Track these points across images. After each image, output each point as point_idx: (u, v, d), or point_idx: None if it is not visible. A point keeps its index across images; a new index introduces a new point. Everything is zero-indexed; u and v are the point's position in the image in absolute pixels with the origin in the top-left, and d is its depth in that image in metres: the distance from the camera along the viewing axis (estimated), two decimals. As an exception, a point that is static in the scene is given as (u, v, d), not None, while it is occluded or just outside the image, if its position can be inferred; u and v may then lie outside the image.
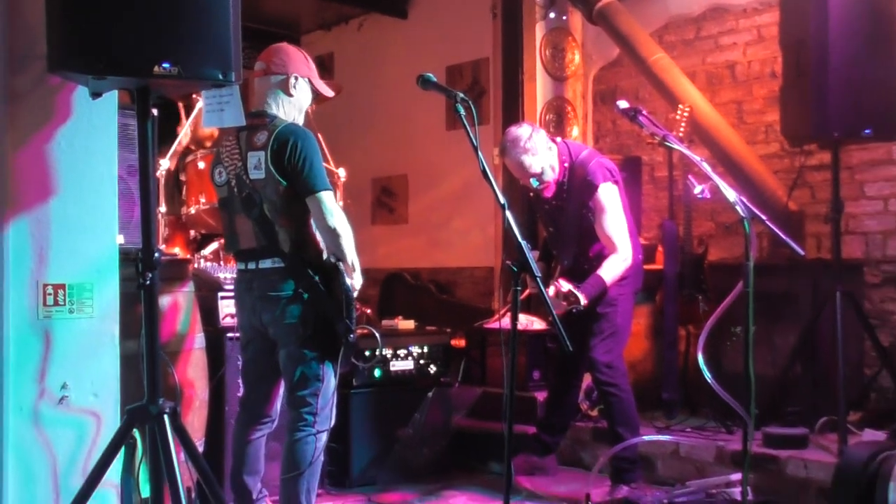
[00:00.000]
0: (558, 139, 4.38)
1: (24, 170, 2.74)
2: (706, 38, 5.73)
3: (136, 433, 2.74)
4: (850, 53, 4.16)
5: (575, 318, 3.99)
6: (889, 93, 4.24)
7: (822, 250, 4.99)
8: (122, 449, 2.70)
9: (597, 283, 4.00)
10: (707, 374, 3.91)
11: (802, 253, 4.29)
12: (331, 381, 3.45)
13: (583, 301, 3.92)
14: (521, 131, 4.22)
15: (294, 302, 3.38)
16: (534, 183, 4.22)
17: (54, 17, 2.52)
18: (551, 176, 4.22)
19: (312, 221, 3.40)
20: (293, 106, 3.56)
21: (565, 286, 3.92)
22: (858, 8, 4.20)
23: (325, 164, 4.01)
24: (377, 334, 4.00)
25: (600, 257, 4.13)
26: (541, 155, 4.17)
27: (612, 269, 4.05)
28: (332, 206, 3.35)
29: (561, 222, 4.32)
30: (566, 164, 4.24)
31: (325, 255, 3.41)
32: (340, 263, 3.38)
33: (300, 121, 3.58)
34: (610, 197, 4.15)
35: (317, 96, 3.66)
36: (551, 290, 3.89)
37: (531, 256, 3.00)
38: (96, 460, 2.66)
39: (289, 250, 3.39)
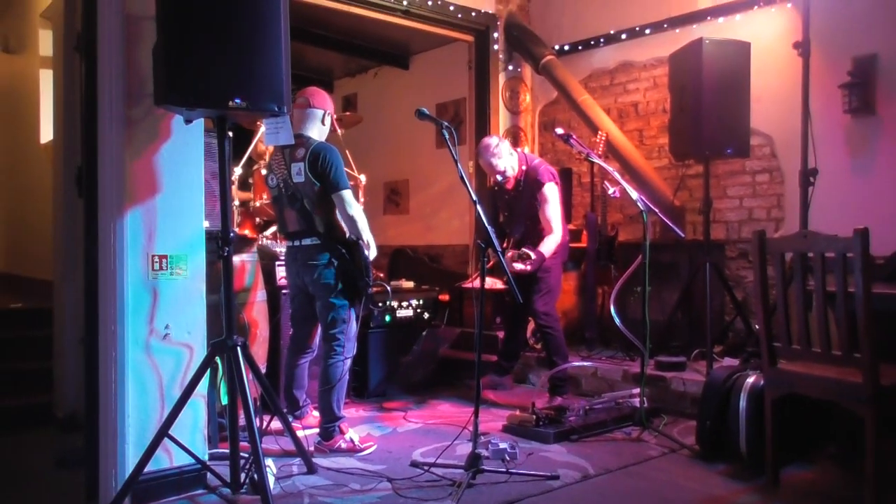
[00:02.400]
0: (518, 149, 4.38)
1: (138, 175, 2.73)
2: (618, 85, 5.71)
3: (217, 360, 2.75)
4: (717, 96, 4.16)
5: (522, 279, 4.00)
6: (743, 123, 4.26)
7: (696, 233, 5.00)
8: (208, 370, 2.72)
9: (539, 255, 4.02)
10: (617, 320, 3.95)
11: (683, 235, 4.32)
12: (353, 322, 3.45)
13: (532, 258, 3.91)
14: (491, 140, 4.22)
15: (327, 268, 3.38)
16: (499, 179, 4.22)
17: (158, 67, 2.51)
18: (512, 174, 4.21)
19: (337, 211, 3.39)
20: (323, 132, 3.55)
21: (523, 252, 3.92)
22: (722, 64, 4.18)
23: (350, 171, 3.97)
24: (388, 288, 4.02)
25: (541, 235, 4.13)
26: (504, 158, 4.17)
27: (549, 245, 4.06)
28: (351, 200, 3.34)
29: (515, 209, 4.31)
30: (523, 167, 4.23)
31: (348, 235, 3.40)
32: (360, 241, 3.38)
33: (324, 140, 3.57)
34: (552, 193, 4.15)
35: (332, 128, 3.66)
36: (508, 254, 3.91)
37: (495, 237, 3.01)
38: (190, 378, 2.68)
39: (322, 231, 3.38)
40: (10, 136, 7.03)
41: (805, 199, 4.01)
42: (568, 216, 5.21)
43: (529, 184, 4.19)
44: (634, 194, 3.75)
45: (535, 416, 3.62)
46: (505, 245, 4.22)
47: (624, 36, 5.52)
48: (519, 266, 3.88)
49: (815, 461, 3.23)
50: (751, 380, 3.21)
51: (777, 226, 4.73)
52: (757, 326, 3.58)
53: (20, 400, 3.98)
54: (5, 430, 3.75)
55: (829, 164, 4.10)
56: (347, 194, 3.33)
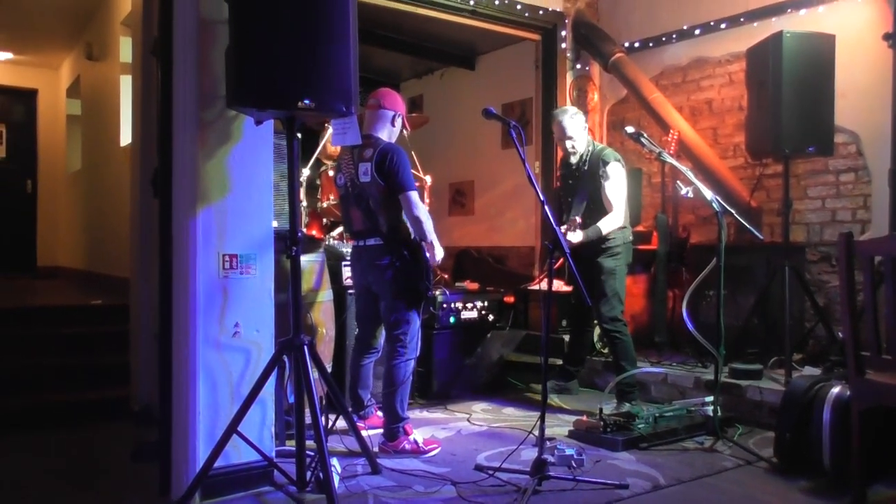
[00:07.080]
0: (589, 136, 4.34)
1: (210, 175, 2.78)
2: (691, 82, 5.55)
3: (285, 358, 2.78)
4: (798, 92, 3.98)
5: (587, 283, 3.89)
6: (826, 120, 4.06)
7: (774, 236, 4.81)
8: (276, 368, 2.75)
9: (595, 230, 3.99)
10: (689, 324, 3.82)
11: (761, 237, 4.15)
12: (416, 323, 3.44)
13: (579, 236, 3.93)
14: (570, 108, 4.30)
15: (390, 268, 3.37)
16: (567, 144, 4.18)
17: (230, 69, 2.55)
18: (580, 145, 4.18)
19: (403, 212, 3.38)
20: (393, 132, 3.55)
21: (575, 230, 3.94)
22: (804, 58, 4.01)
23: (415, 171, 3.96)
24: (447, 292, 4.04)
25: (600, 218, 4.05)
26: (576, 124, 4.15)
27: (606, 223, 4.02)
28: (416, 201, 3.33)
29: (576, 189, 4.23)
30: (590, 149, 4.19)
31: (412, 236, 3.39)
32: (423, 242, 3.36)
33: (393, 142, 3.57)
34: (616, 172, 4.08)
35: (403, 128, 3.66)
36: (564, 228, 3.90)
37: (563, 239, 2.94)
38: (258, 376, 2.71)
39: (386, 232, 3.38)
40: (93, 140, 7.36)
41: (895, 200, 3.79)
42: (637, 217, 5.09)
43: (593, 163, 4.15)
44: (709, 194, 3.61)
45: (602, 423, 3.53)
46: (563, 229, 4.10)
47: (698, 31, 5.35)
48: (570, 236, 3.86)
49: (905, 479, 3.03)
50: (836, 390, 3.04)
51: (863, 228, 4.49)
52: (841, 334, 3.39)
53: (99, 393, 4.14)
54: (85, 422, 3.90)
55: (921, 163, 3.86)
56: (413, 195, 3.32)
